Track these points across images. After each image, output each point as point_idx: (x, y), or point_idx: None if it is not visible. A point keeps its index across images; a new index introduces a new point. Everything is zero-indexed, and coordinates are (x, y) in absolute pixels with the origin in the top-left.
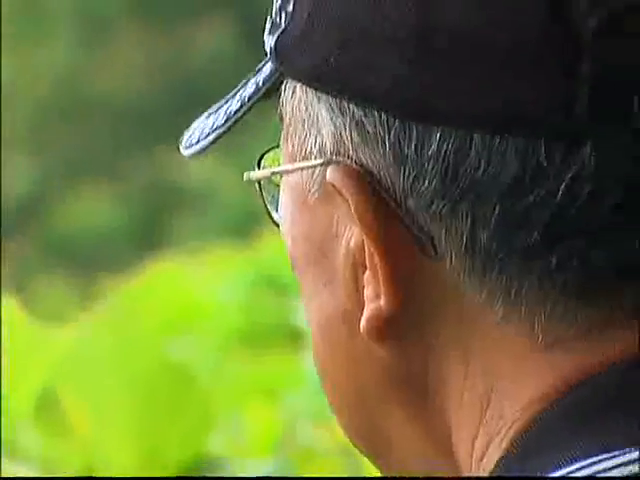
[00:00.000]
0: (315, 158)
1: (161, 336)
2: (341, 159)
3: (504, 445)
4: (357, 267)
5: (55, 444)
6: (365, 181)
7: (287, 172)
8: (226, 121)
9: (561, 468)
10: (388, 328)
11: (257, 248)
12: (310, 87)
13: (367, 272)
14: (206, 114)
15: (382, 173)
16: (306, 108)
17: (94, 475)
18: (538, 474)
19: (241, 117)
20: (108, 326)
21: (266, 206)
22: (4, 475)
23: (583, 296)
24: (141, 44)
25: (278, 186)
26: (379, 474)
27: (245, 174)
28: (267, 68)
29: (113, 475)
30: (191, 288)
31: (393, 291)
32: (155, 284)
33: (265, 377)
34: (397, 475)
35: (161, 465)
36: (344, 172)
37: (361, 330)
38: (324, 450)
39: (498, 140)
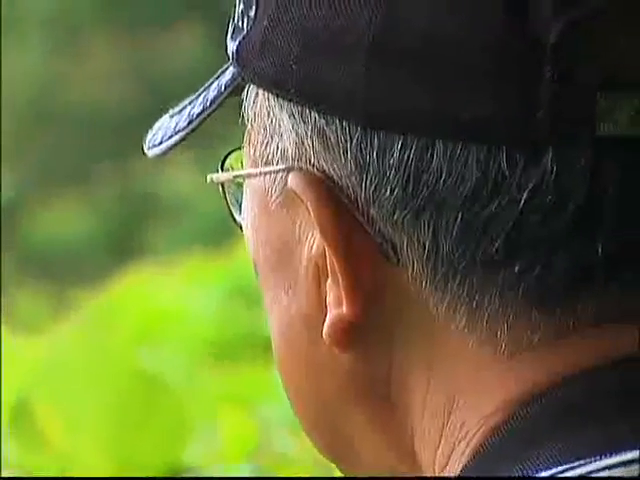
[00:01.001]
0: (277, 163)
1: (134, 346)
2: (303, 166)
3: (467, 454)
4: (319, 273)
5: (29, 454)
6: (327, 189)
7: (250, 176)
8: (189, 123)
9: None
10: (350, 335)
11: (231, 258)
12: (271, 93)
13: (329, 279)
14: (170, 114)
15: (344, 181)
16: (268, 114)
17: None
18: None
19: (204, 120)
20: (82, 336)
21: (229, 208)
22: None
23: (545, 304)
24: (114, 51)
25: (242, 187)
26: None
27: (208, 176)
28: (229, 72)
29: None
30: (164, 298)
31: (354, 298)
32: (128, 294)
33: (239, 386)
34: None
35: (135, 475)
36: (305, 179)
37: (323, 336)
38: (299, 458)
39: (459, 148)
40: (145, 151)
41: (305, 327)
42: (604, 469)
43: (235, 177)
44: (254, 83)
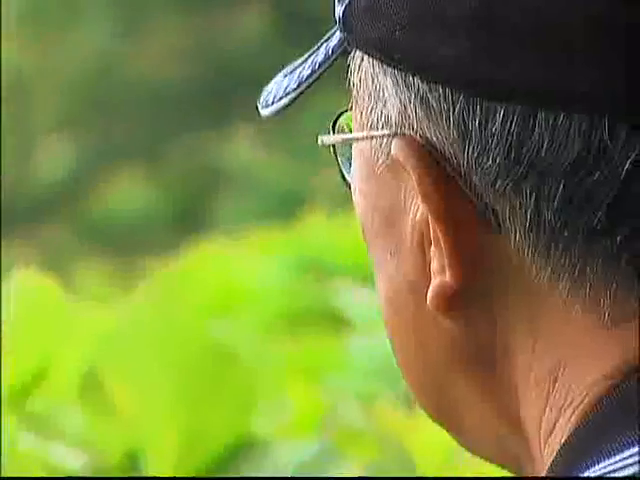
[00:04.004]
0: (381, 129)
1: (203, 318)
2: (406, 132)
3: (572, 421)
4: (423, 240)
5: (98, 424)
6: (429, 155)
7: (356, 139)
8: (298, 86)
9: (628, 448)
10: (454, 301)
11: (298, 230)
12: (376, 59)
13: (432, 246)
14: (283, 73)
15: (447, 148)
16: (372, 80)
17: (137, 455)
18: (604, 454)
19: (312, 82)
20: (150, 307)
21: (340, 169)
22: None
23: None
24: (179, 28)
25: (351, 148)
26: (424, 460)
27: (319, 138)
28: (336, 36)
29: (156, 456)
30: (232, 271)
31: (457, 265)
32: (196, 267)
33: (307, 359)
34: (473, 450)
35: (204, 446)
36: (408, 145)
37: (428, 302)
38: (366, 431)
39: (562, 118)
40: (260, 110)
41: (411, 292)
42: None
43: (344, 140)
44: (359, 48)
